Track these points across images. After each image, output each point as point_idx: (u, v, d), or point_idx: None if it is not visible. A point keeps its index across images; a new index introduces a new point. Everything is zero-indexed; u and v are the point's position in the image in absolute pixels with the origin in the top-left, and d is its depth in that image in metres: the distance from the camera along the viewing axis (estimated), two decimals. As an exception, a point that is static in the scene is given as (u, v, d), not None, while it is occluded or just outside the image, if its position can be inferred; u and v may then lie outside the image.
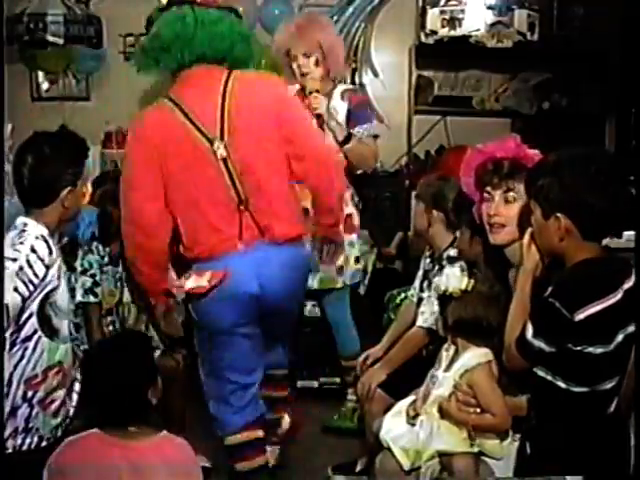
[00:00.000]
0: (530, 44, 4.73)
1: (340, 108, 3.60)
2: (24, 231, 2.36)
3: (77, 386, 2.53)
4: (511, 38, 4.68)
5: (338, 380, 4.12)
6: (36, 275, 2.31)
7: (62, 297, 2.44)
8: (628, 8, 4.46)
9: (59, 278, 2.41)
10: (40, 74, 5.37)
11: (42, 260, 2.33)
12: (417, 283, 3.17)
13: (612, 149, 4.83)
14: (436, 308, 2.71)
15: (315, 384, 4.22)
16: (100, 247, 3.15)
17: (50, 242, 2.39)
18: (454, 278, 2.37)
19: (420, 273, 3.18)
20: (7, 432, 2.34)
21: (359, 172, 3.78)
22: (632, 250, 3.07)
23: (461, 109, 5.07)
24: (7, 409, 2.33)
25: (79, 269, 3.13)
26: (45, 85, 5.41)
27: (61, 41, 4.73)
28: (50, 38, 4.69)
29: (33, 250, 2.32)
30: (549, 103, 4.97)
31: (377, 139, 3.66)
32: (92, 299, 3.11)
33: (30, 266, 2.30)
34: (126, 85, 5.14)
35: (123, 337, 2.47)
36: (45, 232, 2.39)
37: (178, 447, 2.20)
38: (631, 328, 2.02)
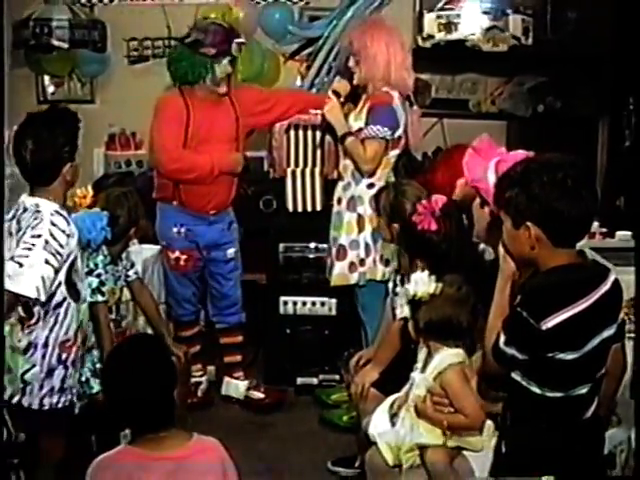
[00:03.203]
0: (525, 48, 4.78)
1: (363, 114, 3.70)
2: (38, 211, 2.51)
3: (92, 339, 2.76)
4: (506, 42, 4.73)
5: (337, 377, 4.17)
6: (61, 246, 2.47)
7: (80, 263, 2.65)
8: (620, 12, 4.51)
9: (77, 245, 2.61)
10: (46, 78, 5.43)
11: (63, 231, 2.50)
12: (390, 283, 3.22)
13: (605, 150, 4.91)
14: None
15: (315, 381, 4.26)
16: (104, 247, 3.22)
17: (64, 214, 2.56)
18: (422, 283, 2.42)
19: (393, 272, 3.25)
20: (44, 391, 2.57)
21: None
22: (627, 250, 3.15)
23: (458, 112, 5.14)
24: (44, 370, 2.56)
25: (85, 269, 3.15)
26: (51, 88, 5.47)
27: (66, 45, 4.79)
28: (55, 42, 4.76)
29: (53, 224, 2.47)
30: (544, 106, 5.02)
31: (389, 145, 3.65)
32: (100, 298, 3.15)
33: (55, 238, 2.45)
34: (130, 88, 5.23)
35: (138, 342, 2.40)
36: (57, 207, 2.55)
37: (211, 450, 2.18)
38: (607, 332, 2.01)
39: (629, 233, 3.75)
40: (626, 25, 4.45)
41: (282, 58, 5.05)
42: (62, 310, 2.57)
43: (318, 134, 4.06)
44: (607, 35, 4.68)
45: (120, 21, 5.20)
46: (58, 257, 2.46)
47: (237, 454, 3.45)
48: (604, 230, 3.87)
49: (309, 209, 4.18)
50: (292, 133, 4.18)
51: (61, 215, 2.54)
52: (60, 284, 2.54)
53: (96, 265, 3.18)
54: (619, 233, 3.87)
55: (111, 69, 5.33)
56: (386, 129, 3.60)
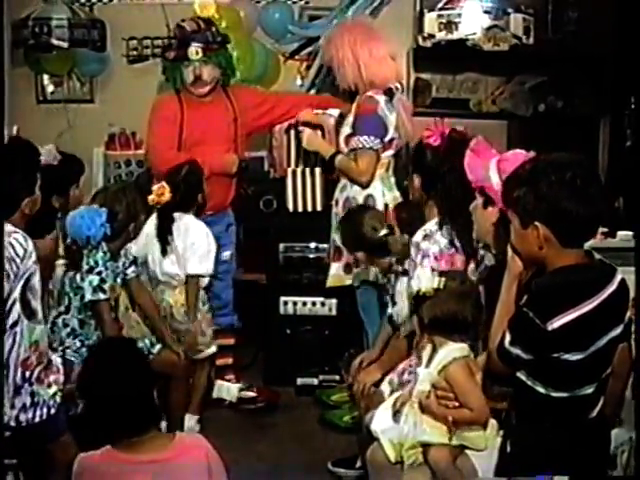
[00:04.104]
0: (526, 47, 4.79)
1: (350, 118, 3.69)
2: None
3: (55, 360, 2.70)
4: (507, 42, 4.74)
5: (337, 378, 4.18)
6: (17, 255, 2.45)
7: (37, 281, 2.60)
8: (621, 11, 4.51)
9: (35, 263, 2.57)
10: (45, 77, 5.43)
11: (20, 244, 2.48)
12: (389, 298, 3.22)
13: (606, 150, 4.90)
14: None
15: (315, 381, 4.27)
16: (104, 244, 3.21)
17: (23, 234, 2.54)
18: (426, 278, 2.46)
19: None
20: (17, 409, 2.52)
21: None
22: (627, 250, 3.15)
23: (458, 111, 5.13)
24: (11, 390, 2.52)
25: (85, 267, 3.16)
26: (50, 88, 5.47)
27: (66, 45, 4.81)
28: (55, 42, 4.77)
29: (9, 235, 2.47)
30: (545, 105, 5.01)
31: (379, 151, 3.63)
32: (102, 296, 3.14)
33: (12, 246, 2.45)
34: (129, 88, 5.24)
35: (112, 348, 2.44)
36: (13, 228, 2.53)
37: (194, 447, 2.20)
38: (614, 332, 2.01)
39: (630, 233, 3.74)
40: (627, 24, 4.46)
41: (282, 58, 5.04)
42: (19, 329, 2.53)
43: (319, 134, 4.04)
44: (608, 34, 4.68)
45: (119, 20, 5.20)
46: (13, 266, 2.45)
47: (237, 454, 3.49)
48: (605, 230, 3.87)
49: (309, 209, 4.18)
50: (292, 133, 4.18)
51: (19, 233, 2.53)
52: (15, 302, 2.51)
53: (96, 263, 3.16)
54: (620, 233, 3.87)
55: (110, 68, 5.33)
56: (372, 138, 3.58)
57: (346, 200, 3.71)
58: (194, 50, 3.73)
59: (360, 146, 3.58)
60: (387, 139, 3.64)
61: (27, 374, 2.56)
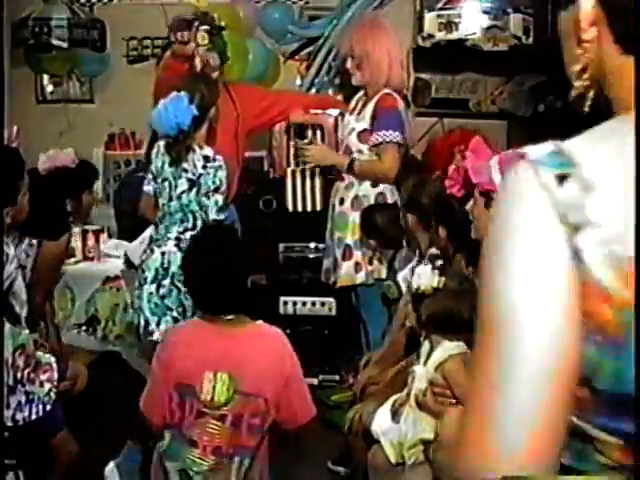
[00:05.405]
0: (525, 47, 4.80)
1: (366, 114, 3.67)
2: None
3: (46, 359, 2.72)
4: (507, 42, 4.75)
5: (337, 377, 4.21)
6: None
7: (20, 288, 2.66)
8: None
9: (17, 269, 2.63)
10: (45, 77, 5.45)
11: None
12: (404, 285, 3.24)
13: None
14: None
15: (315, 382, 4.27)
16: (222, 162, 3.17)
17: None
18: (425, 276, 2.46)
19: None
20: (12, 408, 2.54)
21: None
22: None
23: (458, 111, 5.15)
24: (5, 393, 2.52)
25: (211, 186, 3.14)
26: (50, 88, 5.49)
27: (65, 45, 4.83)
28: (55, 42, 4.79)
29: None
30: (544, 105, 5.04)
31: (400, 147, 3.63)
32: (222, 217, 3.21)
33: None
34: (129, 88, 5.24)
35: (222, 229, 2.70)
36: None
37: (271, 336, 2.39)
38: None
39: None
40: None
41: (282, 58, 5.05)
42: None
43: (319, 134, 4.05)
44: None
45: (119, 20, 5.21)
46: None
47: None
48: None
49: (309, 209, 4.17)
50: (292, 133, 4.18)
51: None
52: None
53: (221, 181, 3.17)
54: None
55: (110, 68, 5.34)
56: (397, 133, 3.58)
57: (355, 198, 3.68)
58: (200, 36, 3.76)
59: (387, 140, 3.57)
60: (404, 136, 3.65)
61: (19, 376, 2.58)
